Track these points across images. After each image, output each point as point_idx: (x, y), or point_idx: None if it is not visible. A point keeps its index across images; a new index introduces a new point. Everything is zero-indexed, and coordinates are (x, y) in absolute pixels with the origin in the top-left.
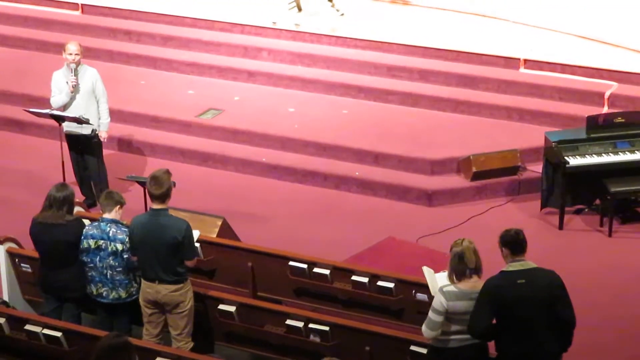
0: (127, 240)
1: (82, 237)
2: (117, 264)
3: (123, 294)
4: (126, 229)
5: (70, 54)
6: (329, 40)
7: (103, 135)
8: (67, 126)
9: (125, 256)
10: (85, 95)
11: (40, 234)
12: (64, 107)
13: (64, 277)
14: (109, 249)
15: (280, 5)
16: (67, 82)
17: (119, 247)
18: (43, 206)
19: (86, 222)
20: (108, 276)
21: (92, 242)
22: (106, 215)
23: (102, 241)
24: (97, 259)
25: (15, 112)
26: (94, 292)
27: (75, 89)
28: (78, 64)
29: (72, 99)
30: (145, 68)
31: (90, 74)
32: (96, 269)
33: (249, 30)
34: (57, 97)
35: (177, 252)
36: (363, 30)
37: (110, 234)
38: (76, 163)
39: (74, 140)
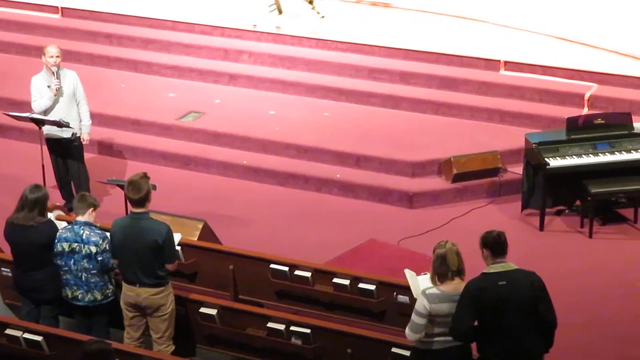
0: (100, 242)
1: (56, 241)
2: (91, 266)
3: (99, 296)
4: (100, 232)
5: (52, 57)
6: (310, 43)
7: (85, 137)
8: (48, 130)
9: (99, 258)
10: (66, 98)
11: (12, 235)
12: (46, 111)
13: (36, 278)
14: (83, 252)
15: (261, 7)
16: (48, 86)
17: (93, 249)
18: (16, 207)
19: (62, 224)
20: (83, 279)
21: (66, 245)
22: (79, 218)
23: (76, 244)
24: (72, 261)
25: None
26: (69, 295)
27: (58, 92)
28: (58, 67)
29: (54, 102)
30: (125, 71)
31: (70, 77)
32: (71, 272)
33: (229, 33)
34: (39, 101)
35: (158, 255)
36: (344, 33)
37: (84, 237)
38: (57, 166)
39: (54, 144)
